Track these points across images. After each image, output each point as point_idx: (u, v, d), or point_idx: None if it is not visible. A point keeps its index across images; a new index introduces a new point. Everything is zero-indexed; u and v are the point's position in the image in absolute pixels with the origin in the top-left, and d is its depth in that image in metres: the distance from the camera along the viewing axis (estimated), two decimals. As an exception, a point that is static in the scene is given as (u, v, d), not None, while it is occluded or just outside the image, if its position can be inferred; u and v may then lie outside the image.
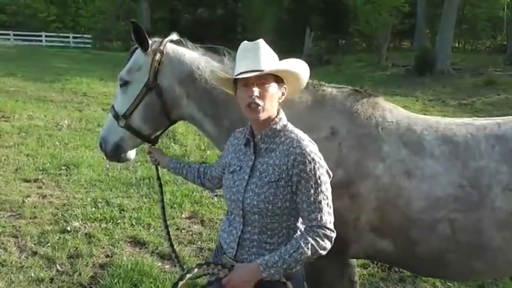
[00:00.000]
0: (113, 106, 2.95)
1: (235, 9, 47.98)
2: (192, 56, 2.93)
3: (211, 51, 2.99)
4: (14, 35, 43.04)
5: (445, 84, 22.28)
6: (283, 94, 2.25)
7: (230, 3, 47.77)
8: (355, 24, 35.86)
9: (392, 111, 2.82)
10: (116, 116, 2.90)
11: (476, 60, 29.38)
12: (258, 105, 2.13)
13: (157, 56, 2.83)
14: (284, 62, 2.27)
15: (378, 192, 2.60)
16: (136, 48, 2.93)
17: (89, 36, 45.04)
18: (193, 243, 5.21)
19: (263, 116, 2.17)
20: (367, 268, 4.76)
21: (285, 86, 2.25)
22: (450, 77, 24.33)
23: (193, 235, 5.41)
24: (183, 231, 5.50)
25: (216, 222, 5.70)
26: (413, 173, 2.59)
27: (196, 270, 2.23)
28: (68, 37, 44.78)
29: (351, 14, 35.85)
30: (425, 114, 3.00)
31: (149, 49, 2.86)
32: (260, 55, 2.18)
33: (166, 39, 2.95)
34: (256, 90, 2.12)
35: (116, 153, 3.00)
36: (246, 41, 2.27)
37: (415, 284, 4.55)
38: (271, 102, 2.18)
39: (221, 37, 44.55)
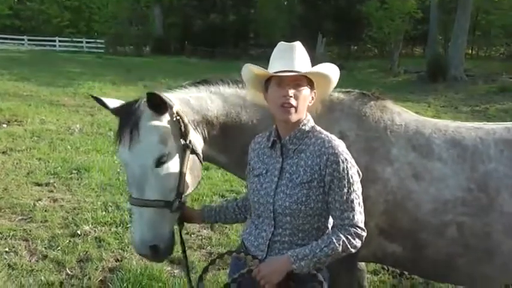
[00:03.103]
0: (143, 200, 2.46)
1: (248, 15, 48.03)
2: (197, 100, 2.71)
3: (205, 85, 2.79)
4: (28, 40, 43.64)
5: (457, 90, 22.19)
6: (312, 98, 2.24)
7: (242, 9, 47.85)
8: (367, 30, 35.89)
9: (400, 114, 2.81)
10: (168, 204, 2.45)
11: (489, 67, 29.19)
12: (292, 105, 2.12)
13: (178, 115, 2.50)
14: (320, 66, 2.25)
15: (386, 195, 2.60)
16: (138, 118, 2.47)
17: (102, 41, 45.41)
18: (203, 248, 5.20)
19: (294, 117, 2.16)
20: (377, 275, 4.71)
21: (315, 90, 2.25)
22: (463, 83, 24.25)
23: (203, 240, 5.40)
24: (192, 235, 5.48)
25: (226, 227, 5.67)
26: (421, 176, 2.59)
27: (225, 256, 2.24)
28: (81, 42, 45.21)
29: (363, 20, 35.85)
30: (436, 119, 3.00)
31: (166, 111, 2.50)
32: (295, 57, 2.18)
33: (168, 95, 2.60)
34: (291, 91, 2.11)
35: (172, 247, 2.67)
36: (283, 42, 2.27)
37: (426, 291, 4.51)
38: (304, 104, 2.18)
39: (233, 43, 44.75)
